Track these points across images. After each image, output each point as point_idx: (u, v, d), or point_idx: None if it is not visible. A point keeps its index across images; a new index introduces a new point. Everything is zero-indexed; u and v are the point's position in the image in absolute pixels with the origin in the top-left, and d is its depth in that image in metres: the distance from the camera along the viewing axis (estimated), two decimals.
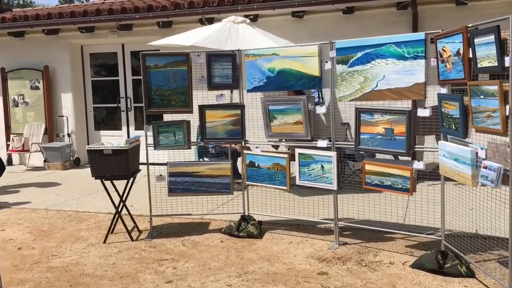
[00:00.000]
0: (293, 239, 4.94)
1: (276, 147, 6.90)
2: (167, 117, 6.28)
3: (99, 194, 7.09)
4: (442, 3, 7.45)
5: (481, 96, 3.36)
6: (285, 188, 4.94)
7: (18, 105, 10.20)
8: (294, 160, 4.92)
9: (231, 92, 6.89)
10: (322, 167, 4.71)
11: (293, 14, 8.11)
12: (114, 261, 4.49)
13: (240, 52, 5.12)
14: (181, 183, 5.19)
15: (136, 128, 9.99)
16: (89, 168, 5.00)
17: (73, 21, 9.17)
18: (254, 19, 8.19)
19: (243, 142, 5.20)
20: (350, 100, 4.50)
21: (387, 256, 4.37)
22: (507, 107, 3.10)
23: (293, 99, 4.93)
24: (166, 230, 5.39)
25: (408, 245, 4.64)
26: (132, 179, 5.13)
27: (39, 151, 9.78)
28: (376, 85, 4.31)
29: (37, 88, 10.01)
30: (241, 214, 5.28)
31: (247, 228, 5.06)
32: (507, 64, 3.08)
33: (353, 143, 4.64)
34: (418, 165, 4.17)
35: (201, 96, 5.35)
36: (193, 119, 5.23)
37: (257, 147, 5.15)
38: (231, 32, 6.66)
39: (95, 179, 4.97)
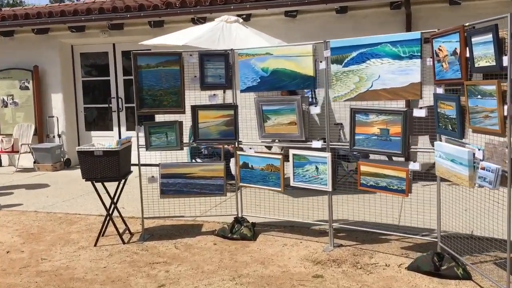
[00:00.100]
0: (287, 241, 4.87)
1: (269, 147, 6.83)
2: (159, 118, 6.20)
3: (90, 195, 6.98)
4: (435, 3, 7.43)
5: (479, 96, 3.32)
6: (279, 189, 4.87)
7: (7, 106, 10.06)
8: (287, 161, 4.86)
9: (224, 92, 6.82)
10: (317, 168, 4.65)
11: (286, 14, 8.06)
12: (105, 265, 4.40)
13: (233, 52, 5.05)
14: (174, 184, 5.11)
15: (128, 129, 9.89)
16: (79, 170, 4.90)
17: (63, 21, 9.05)
18: (246, 18, 8.12)
19: (236, 143, 5.13)
20: (345, 100, 4.44)
21: (382, 258, 4.32)
22: (505, 107, 3.06)
23: (287, 99, 4.86)
24: (158, 232, 5.30)
25: (404, 246, 4.60)
26: (123, 180, 5.04)
27: (29, 152, 9.64)
28: (371, 85, 4.25)
29: (26, 88, 9.87)
30: (235, 216, 5.21)
31: (241, 230, 4.99)
32: (505, 63, 3.04)
33: (346, 144, 4.59)
34: (414, 166, 4.12)
35: (194, 96, 5.28)
36: (186, 119, 5.16)
37: (250, 148, 5.08)
38: (223, 32, 6.59)
39: (86, 181, 4.87)
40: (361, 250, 4.55)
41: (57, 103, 9.88)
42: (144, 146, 5.03)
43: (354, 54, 4.31)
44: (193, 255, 4.58)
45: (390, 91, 4.15)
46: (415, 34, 4.02)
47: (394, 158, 5.60)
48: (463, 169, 3.53)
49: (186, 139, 5.63)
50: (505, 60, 3.03)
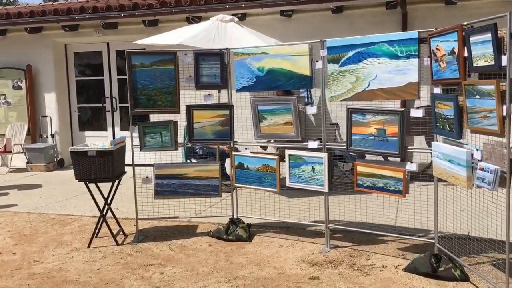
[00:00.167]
0: (283, 242, 4.83)
1: (265, 148, 6.78)
2: (154, 118, 6.13)
3: (84, 196, 6.90)
4: (431, 3, 7.41)
5: (477, 96, 3.28)
6: (275, 190, 4.82)
7: (0, 105, 9.94)
8: (283, 161, 4.81)
9: (219, 92, 6.76)
10: (313, 168, 4.61)
11: (282, 13, 8.01)
12: (98, 267, 4.33)
13: (228, 51, 5.00)
14: (168, 185, 5.05)
15: (122, 129, 9.81)
16: (73, 170, 4.83)
17: (56, 19, 8.96)
18: (242, 18, 8.07)
19: (231, 143, 5.08)
20: (341, 100, 4.40)
21: (379, 260, 4.28)
22: (504, 107, 3.02)
23: (283, 99, 4.82)
24: (153, 233, 5.24)
25: (400, 247, 4.56)
26: (117, 181, 4.97)
27: (22, 152, 9.54)
28: (368, 85, 4.21)
29: (19, 87, 9.77)
30: (230, 216, 5.16)
31: (236, 231, 4.94)
32: (504, 63, 3.00)
33: (343, 144, 4.55)
34: (411, 166, 4.08)
35: (189, 96, 5.22)
36: (180, 119, 5.10)
37: (246, 148, 5.03)
38: (219, 31, 6.53)
39: (79, 181, 4.80)
40: (357, 251, 4.51)
41: (50, 102, 9.79)
42: (138, 146, 4.97)
43: (350, 53, 4.27)
44: (188, 256, 4.52)
45: (387, 91, 4.12)
46: (412, 34, 3.98)
47: (390, 158, 5.57)
48: (461, 169, 3.49)
49: (181, 139, 5.57)
50: (504, 60, 2.99)
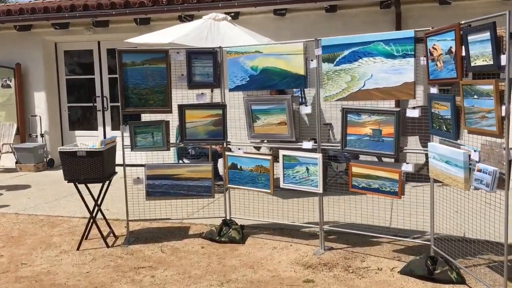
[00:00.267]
0: (277, 244, 4.75)
1: (258, 148, 6.70)
2: (145, 117, 6.03)
3: (74, 197, 6.78)
4: (425, 3, 7.38)
5: (475, 96, 3.23)
6: (269, 191, 4.75)
7: None
8: (277, 161, 4.74)
9: (212, 91, 6.67)
10: (307, 169, 4.54)
11: (275, 12, 7.94)
12: (88, 270, 4.23)
13: (221, 50, 4.92)
14: (160, 186, 4.96)
15: (113, 128, 9.69)
16: (62, 170, 4.72)
17: (46, 17, 8.83)
18: (235, 16, 7.99)
19: (224, 143, 4.99)
20: (336, 100, 4.34)
21: (374, 262, 4.22)
22: (503, 107, 2.97)
23: (277, 98, 4.74)
24: (144, 235, 5.14)
25: (396, 249, 4.50)
26: (107, 182, 4.87)
27: (11, 152, 9.38)
28: (364, 85, 4.15)
29: (8, 86, 9.61)
30: (223, 218, 5.08)
31: (229, 233, 4.86)
32: (503, 62, 2.95)
33: (337, 144, 4.48)
34: (407, 167, 4.03)
35: (181, 95, 5.13)
36: (172, 119, 5.01)
37: (239, 149, 4.95)
38: (211, 29, 6.45)
39: (68, 182, 4.70)
40: (352, 253, 4.45)
41: (40, 101, 9.65)
42: (129, 147, 4.87)
43: (346, 52, 4.21)
44: (180, 259, 4.44)
45: (383, 90, 4.05)
46: (409, 33, 3.93)
47: (385, 159, 5.51)
48: (458, 171, 3.44)
49: (173, 139, 5.48)
50: (503, 59, 2.94)
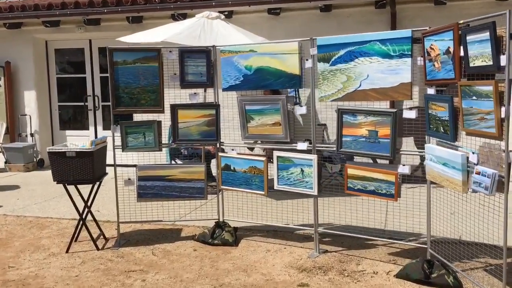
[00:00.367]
0: (271, 246, 4.67)
1: (252, 149, 6.62)
2: (137, 117, 5.93)
3: (63, 198, 6.65)
4: (420, 3, 7.33)
5: (474, 97, 3.16)
6: (263, 193, 4.66)
7: None
8: (271, 162, 4.66)
9: (205, 91, 6.58)
10: (302, 170, 4.46)
11: (269, 11, 7.85)
12: (77, 273, 4.12)
13: (215, 48, 4.83)
14: (151, 187, 4.86)
15: (104, 128, 9.55)
16: (51, 171, 4.61)
17: (36, 15, 8.67)
18: (228, 15, 7.89)
19: (218, 144, 4.91)
20: (332, 100, 4.26)
21: (370, 265, 4.15)
22: (503, 109, 2.91)
23: (271, 99, 4.66)
24: (135, 237, 5.04)
25: (391, 252, 4.44)
26: (98, 183, 4.76)
27: (0, 152, 9.23)
28: (360, 85, 4.08)
29: None
30: (216, 220, 4.98)
31: (222, 235, 4.77)
32: (502, 63, 2.89)
33: (333, 145, 4.41)
34: (404, 169, 3.96)
35: (173, 94, 5.03)
36: (165, 119, 4.91)
37: (232, 149, 4.87)
38: (205, 28, 6.36)
39: (57, 183, 4.59)
40: (347, 256, 4.37)
41: (30, 101, 9.50)
42: (120, 147, 4.77)
43: (342, 52, 4.13)
44: (172, 262, 4.34)
45: (379, 91, 3.99)
46: (406, 32, 3.86)
47: (380, 160, 5.45)
48: (456, 173, 3.37)
49: (165, 139, 5.38)
50: (503, 59, 2.88)
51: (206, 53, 4.79)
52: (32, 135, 9.53)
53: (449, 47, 3.41)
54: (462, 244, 4.33)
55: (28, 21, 9.09)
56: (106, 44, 8.69)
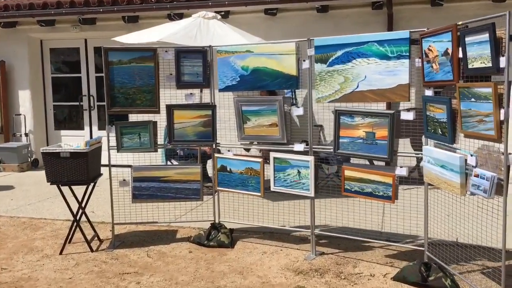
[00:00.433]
0: (267, 248, 4.64)
1: (248, 150, 6.58)
2: (132, 118, 5.87)
3: (58, 198, 6.58)
4: (417, 4, 7.32)
5: (472, 99, 3.14)
6: (259, 194, 4.63)
7: None
8: (267, 163, 4.62)
9: (202, 91, 6.53)
10: (299, 172, 4.43)
11: (266, 12, 7.82)
12: (70, 276, 4.07)
13: (211, 49, 4.79)
14: (147, 188, 4.81)
15: (100, 128, 9.49)
16: (44, 172, 4.55)
17: (31, 14, 8.61)
18: (225, 15, 7.85)
19: (214, 145, 4.86)
20: (329, 102, 4.23)
21: (366, 268, 4.12)
22: (502, 111, 2.88)
23: (268, 99, 4.63)
24: (130, 239, 4.99)
25: (388, 254, 4.41)
26: (92, 184, 4.71)
27: None
28: (357, 86, 4.05)
29: None
30: (211, 221, 4.94)
31: (218, 237, 4.73)
32: (502, 65, 2.86)
33: (330, 147, 4.38)
34: (401, 171, 3.93)
35: (169, 95, 4.99)
36: (160, 119, 4.86)
37: (229, 150, 4.83)
38: (201, 28, 6.31)
39: (51, 184, 4.54)
40: (344, 258, 4.34)
41: (24, 100, 9.43)
42: (115, 147, 4.72)
43: (339, 53, 4.10)
44: (167, 264, 4.30)
45: (377, 92, 3.96)
46: (404, 33, 3.83)
47: (377, 162, 5.42)
48: (454, 175, 3.35)
49: (160, 140, 5.33)
50: (503, 61, 2.85)
51: (202, 53, 4.75)
52: (26, 135, 9.46)
53: (447, 49, 3.38)
54: (459, 246, 4.30)
55: (23, 20, 9.03)
56: (102, 43, 8.63)
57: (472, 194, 3.20)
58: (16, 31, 9.27)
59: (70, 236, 4.76)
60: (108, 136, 4.73)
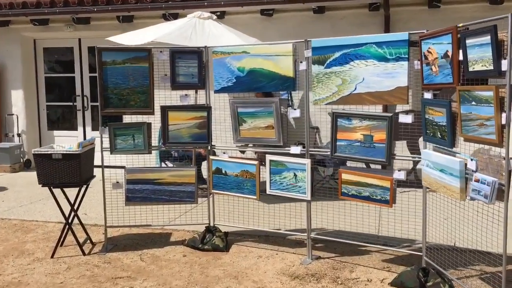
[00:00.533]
0: (262, 252, 4.57)
1: (243, 152, 6.51)
2: (126, 119, 5.79)
3: (50, 200, 6.47)
4: (415, 6, 7.27)
5: (473, 103, 3.08)
6: (255, 197, 4.56)
7: None
8: (263, 165, 4.55)
9: (197, 92, 6.45)
10: (295, 175, 4.36)
11: (262, 12, 7.76)
12: (62, 280, 3.98)
13: (207, 49, 4.72)
14: (140, 191, 4.73)
15: (93, 129, 9.38)
16: (36, 174, 4.46)
17: (25, 13, 8.49)
18: (221, 16, 7.79)
19: (209, 147, 4.79)
20: (326, 104, 4.17)
21: (363, 272, 4.06)
22: (504, 115, 2.83)
23: (264, 101, 4.56)
24: (123, 242, 4.90)
25: (385, 259, 4.35)
26: (85, 186, 4.63)
27: None
28: (355, 88, 3.99)
29: None
30: (206, 224, 4.87)
31: (212, 240, 4.65)
32: (504, 67, 2.81)
33: (326, 150, 4.32)
34: (399, 174, 3.88)
35: (164, 96, 4.91)
36: (155, 121, 4.78)
37: (224, 153, 4.76)
38: (196, 28, 6.23)
39: (42, 186, 4.44)
40: (340, 262, 4.28)
41: (17, 100, 9.31)
42: (109, 149, 4.64)
43: (337, 54, 4.04)
44: (161, 268, 4.22)
45: (375, 95, 3.90)
46: (403, 35, 3.78)
47: (373, 165, 5.36)
48: (453, 180, 3.29)
49: (155, 142, 5.25)
50: (504, 64, 2.80)
51: (198, 54, 4.68)
52: (19, 135, 9.34)
53: (447, 51, 3.33)
54: (457, 251, 4.25)
55: (16, 19, 8.91)
56: (96, 43, 8.52)
57: (472, 199, 3.15)
58: (9, 30, 9.16)
59: (62, 239, 4.67)
60: (101, 138, 4.65)
